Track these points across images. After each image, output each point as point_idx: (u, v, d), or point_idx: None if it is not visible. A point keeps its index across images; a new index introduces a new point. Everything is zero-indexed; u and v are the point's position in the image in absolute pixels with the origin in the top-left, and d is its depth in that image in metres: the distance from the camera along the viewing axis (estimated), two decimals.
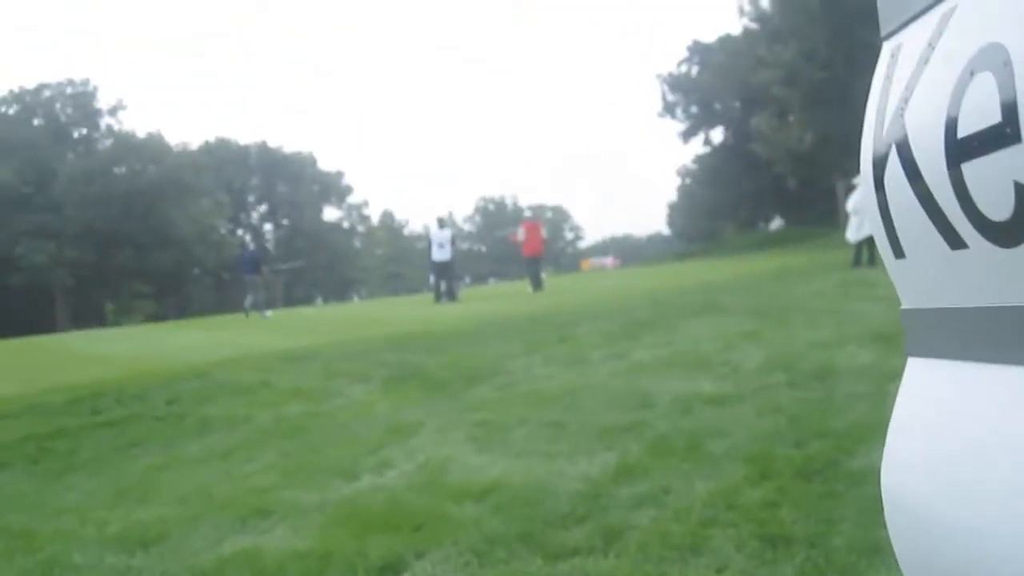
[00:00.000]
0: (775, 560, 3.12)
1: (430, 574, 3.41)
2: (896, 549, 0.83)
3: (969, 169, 0.67)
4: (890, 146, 0.79)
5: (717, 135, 67.46)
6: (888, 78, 0.82)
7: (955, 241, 0.71)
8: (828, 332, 8.22)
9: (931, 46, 0.74)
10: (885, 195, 0.81)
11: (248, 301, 26.24)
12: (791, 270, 19.68)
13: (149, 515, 4.80)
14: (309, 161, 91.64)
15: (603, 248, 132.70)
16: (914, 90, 0.76)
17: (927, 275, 0.79)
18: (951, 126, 0.68)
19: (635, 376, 7.27)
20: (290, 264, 47.82)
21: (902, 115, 0.77)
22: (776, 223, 66.51)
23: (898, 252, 0.82)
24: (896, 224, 0.80)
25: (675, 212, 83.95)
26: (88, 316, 61.67)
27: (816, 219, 53.39)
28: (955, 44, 0.70)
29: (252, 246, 36.53)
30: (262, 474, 5.54)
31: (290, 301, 53.98)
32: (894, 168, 0.78)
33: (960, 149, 0.67)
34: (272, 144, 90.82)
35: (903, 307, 0.86)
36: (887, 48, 0.85)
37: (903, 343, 0.87)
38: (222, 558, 3.89)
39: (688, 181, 76.33)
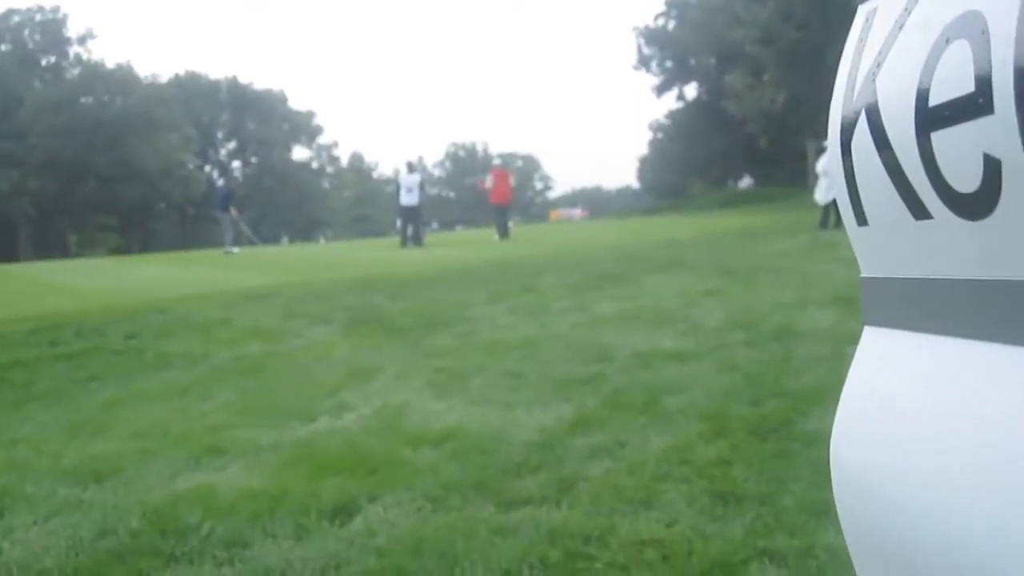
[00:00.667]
0: (725, 517, 3.15)
1: (383, 518, 3.42)
2: (841, 519, 0.83)
3: (938, 139, 0.65)
4: (859, 111, 0.77)
5: (691, 91, 67.36)
6: (861, 42, 0.81)
7: (920, 211, 0.70)
8: (790, 293, 8.27)
9: (907, 11, 0.72)
10: (851, 161, 0.79)
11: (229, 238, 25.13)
12: (758, 229, 19.77)
13: (104, 449, 4.78)
14: (280, 99, 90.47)
15: (572, 199, 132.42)
16: (887, 55, 0.74)
17: (889, 244, 0.78)
18: (923, 94, 0.67)
19: (596, 329, 7.30)
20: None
21: (873, 80, 0.76)
22: (746, 181, 66.52)
23: (861, 219, 0.81)
24: (860, 191, 0.79)
25: (645, 166, 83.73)
26: (51, 247, 60.88)
27: (786, 179, 53.56)
28: (932, 10, 0.68)
29: (221, 182, 35.56)
30: (219, 412, 5.52)
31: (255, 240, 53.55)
32: (862, 134, 0.77)
33: (930, 118, 0.66)
34: (243, 80, 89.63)
35: (862, 275, 0.85)
36: (862, 11, 0.84)
37: (860, 311, 0.86)
38: (175, 494, 3.88)
39: (660, 136, 76.20)
